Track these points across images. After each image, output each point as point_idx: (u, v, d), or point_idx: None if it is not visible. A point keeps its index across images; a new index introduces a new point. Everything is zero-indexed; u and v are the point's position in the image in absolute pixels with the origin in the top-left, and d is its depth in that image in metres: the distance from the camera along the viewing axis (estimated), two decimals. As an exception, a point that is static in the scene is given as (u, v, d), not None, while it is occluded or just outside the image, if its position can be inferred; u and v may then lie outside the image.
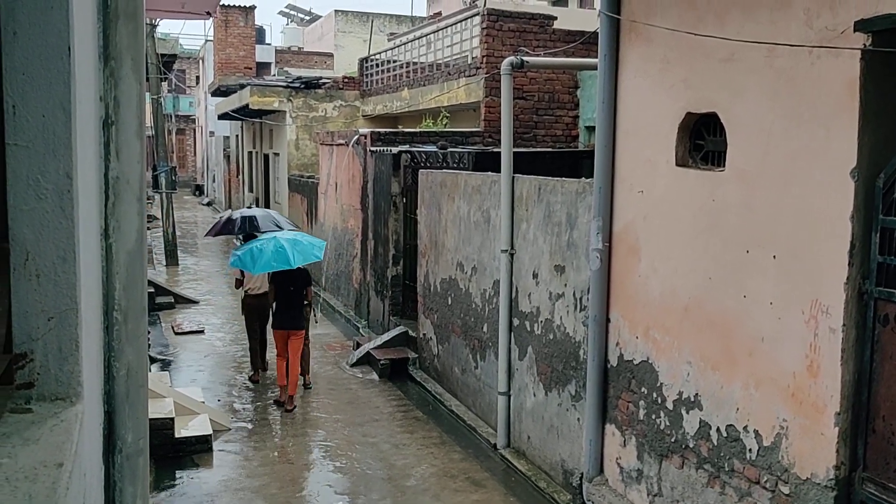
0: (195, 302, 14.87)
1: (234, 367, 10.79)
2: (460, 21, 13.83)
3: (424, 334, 10.26)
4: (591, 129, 12.03)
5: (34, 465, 1.38)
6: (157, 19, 16.40)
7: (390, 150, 11.61)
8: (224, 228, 11.02)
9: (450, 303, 9.37)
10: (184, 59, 39.74)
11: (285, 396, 9.14)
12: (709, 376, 5.18)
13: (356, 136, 13.04)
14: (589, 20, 12.28)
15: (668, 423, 5.58)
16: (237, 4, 30.23)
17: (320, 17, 37.26)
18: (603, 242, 6.11)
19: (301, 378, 9.65)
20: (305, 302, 9.45)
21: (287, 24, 42.15)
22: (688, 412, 5.38)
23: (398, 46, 17.48)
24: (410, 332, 10.90)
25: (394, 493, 7.05)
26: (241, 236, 11.02)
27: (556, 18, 12.99)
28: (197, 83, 43.82)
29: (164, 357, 11.14)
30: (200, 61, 40.20)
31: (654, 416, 5.73)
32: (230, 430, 8.43)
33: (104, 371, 2.16)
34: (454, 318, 9.26)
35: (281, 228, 10.24)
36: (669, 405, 5.56)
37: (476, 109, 13.19)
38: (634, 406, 5.95)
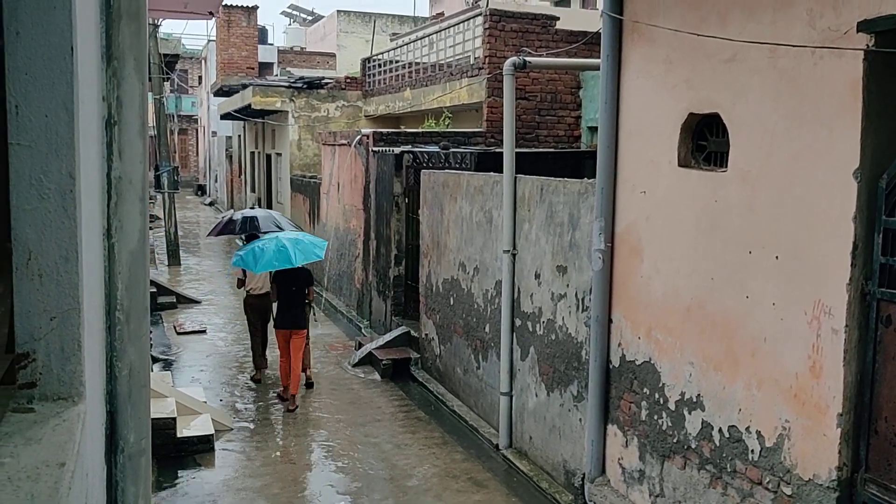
0: (197, 302, 14.89)
1: (236, 367, 10.80)
2: (463, 21, 13.83)
3: (426, 334, 10.26)
4: (593, 130, 12.03)
5: (36, 465, 1.38)
6: (160, 19, 16.41)
7: (392, 151, 11.61)
8: (225, 229, 11.05)
9: (452, 303, 9.37)
10: (186, 59, 39.81)
11: (288, 395, 9.16)
12: (711, 377, 5.17)
13: (358, 137, 13.04)
14: (591, 20, 12.30)
15: (670, 424, 5.58)
16: (240, 4, 30.24)
17: (323, 17, 37.27)
18: (605, 243, 6.11)
19: (303, 375, 9.67)
20: (307, 301, 9.48)
21: (289, 25, 42.16)
22: (690, 413, 5.37)
23: (400, 47, 17.49)
24: (412, 332, 10.90)
25: (396, 494, 7.05)
26: (243, 236, 11.04)
27: (558, 19, 12.99)
28: (199, 83, 43.86)
29: (166, 357, 11.15)
30: (203, 61, 40.24)
31: (656, 417, 5.72)
32: (232, 429, 8.44)
33: (106, 371, 2.16)
34: (456, 319, 9.26)
35: (282, 229, 10.24)
36: (671, 406, 5.55)
37: (478, 110, 13.19)
38: (636, 406, 5.95)
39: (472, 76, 13.03)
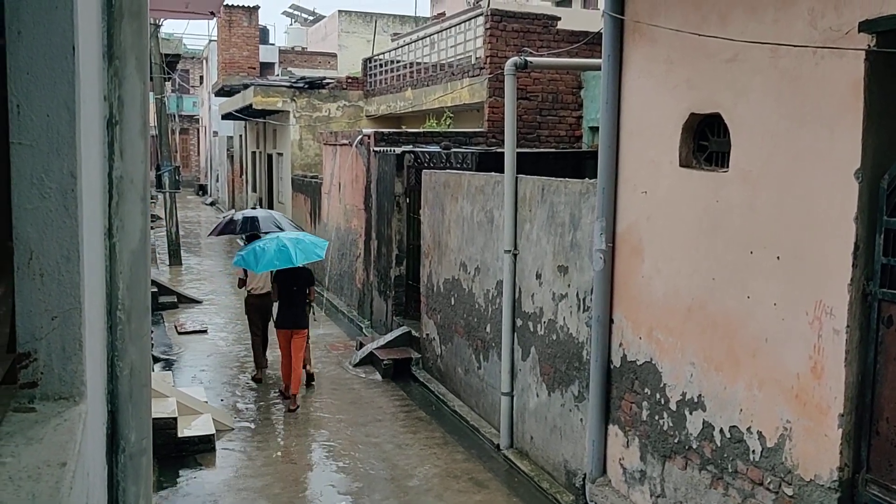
0: (198, 301, 14.90)
1: (237, 367, 10.80)
2: (464, 21, 13.83)
3: (427, 334, 10.26)
4: (594, 130, 12.03)
5: (37, 465, 1.38)
6: (161, 19, 16.41)
7: (394, 151, 11.61)
8: (226, 228, 11.09)
9: (453, 303, 9.37)
10: (188, 59, 39.84)
11: (289, 394, 9.18)
12: (712, 377, 5.17)
13: (360, 137, 13.05)
14: (593, 21, 12.29)
15: (671, 424, 5.57)
16: (241, 4, 30.25)
17: (324, 17, 37.27)
18: (606, 243, 6.10)
19: (303, 372, 9.69)
20: (309, 300, 9.51)
21: (291, 25, 42.16)
22: (691, 413, 5.37)
23: (402, 47, 17.49)
24: (413, 332, 10.91)
25: (397, 494, 7.05)
26: (244, 237, 11.08)
27: (559, 19, 12.99)
28: (201, 83, 43.87)
29: (167, 357, 11.16)
30: (204, 61, 40.25)
31: (657, 417, 5.72)
32: (233, 429, 8.44)
33: (107, 370, 2.16)
34: (457, 319, 9.26)
35: (282, 229, 10.27)
36: (673, 406, 5.55)
37: (479, 110, 13.19)
38: (637, 407, 5.94)
39: (473, 76, 13.03)
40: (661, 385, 5.65)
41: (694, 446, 5.35)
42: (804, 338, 4.44)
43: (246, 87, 21.11)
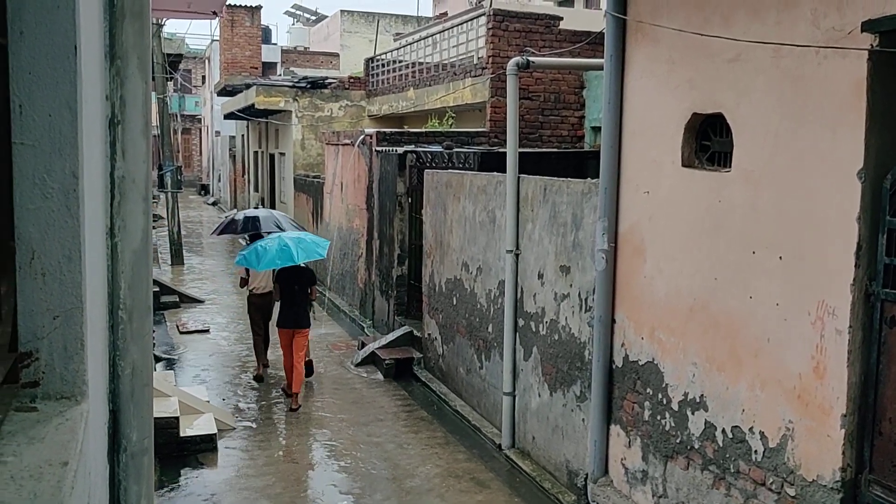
0: (200, 301, 14.91)
1: (239, 367, 10.81)
2: (466, 21, 13.82)
3: (429, 334, 10.26)
4: (596, 130, 12.02)
5: (39, 464, 1.38)
6: (164, 19, 16.43)
7: (396, 150, 11.61)
8: (228, 228, 11.14)
9: (455, 303, 9.37)
10: (190, 59, 39.87)
11: (291, 392, 9.20)
12: (714, 377, 5.17)
13: (362, 136, 13.05)
14: (595, 21, 12.29)
15: (673, 424, 5.57)
16: (243, 4, 30.28)
17: (326, 17, 37.29)
18: (608, 243, 6.10)
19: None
20: (311, 300, 9.54)
21: (293, 24, 42.20)
22: (693, 413, 5.36)
23: (404, 46, 17.48)
24: (415, 331, 10.91)
25: (398, 493, 7.05)
26: (247, 236, 11.12)
27: (561, 19, 12.98)
28: (203, 83, 43.91)
29: (168, 356, 11.17)
30: (206, 61, 40.27)
31: (659, 417, 5.71)
32: (235, 429, 8.45)
33: (109, 370, 2.17)
34: (459, 319, 9.26)
35: (282, 229, 10.33)
36: (675, 406, 5.54)
37: (482, 110, 13.18)
38: (639, 407, 5.94)
39: (475, 76, 13.02)
40: (663, 385, 5.65)
41: (696, 446, 5.34)
42: (806, 338, 4.43)
43: (248, 86, 21.13)
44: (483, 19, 12.86)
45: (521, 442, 7.77)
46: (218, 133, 36.58)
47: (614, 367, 6.22)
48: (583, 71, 12.34)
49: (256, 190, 25.82)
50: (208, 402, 8.68)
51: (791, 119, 4.51)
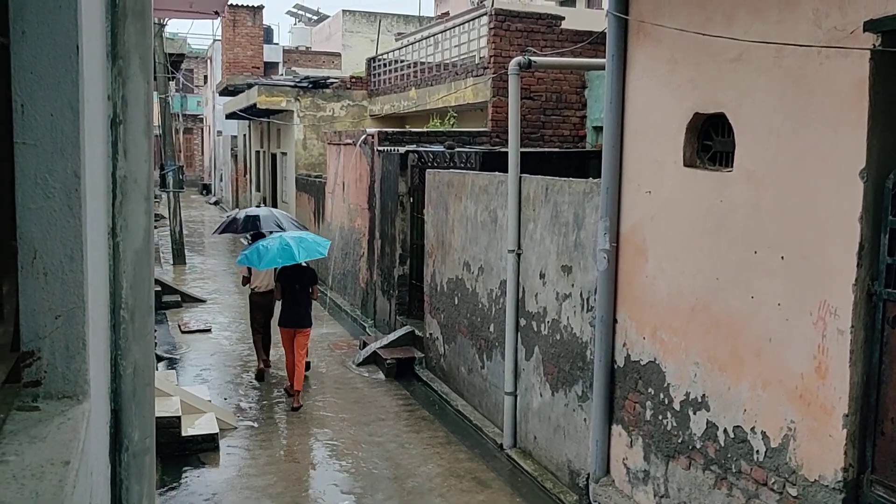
0: (202, 301, 14.92)
1: (241, 366, 10.82)
2: (468, 21, 13.82)
3: (431, 334, 10.26)
4: (598, 130, 12.01)
5: (41, 463, 1.38)
6: (166, 19, 16.44)
7: (397, 150, 11.61)
8: (229, 227, 11.18)
9: (456, 302, 9.37)
10: (192, 59, 39.88)
11: (293, 391, 9.22)
12: (716, 377, 5.16)
13: (363, 136, 13.05)
14: (597, 20, 12.27)
15: (675, 424, 5.56)
16: (245, 4, 30.29)
17: (328, 16, 37.28)
18: (610, 243, 6.10)
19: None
20: (314, 299, 9.59)
21: (295, 24, 42.20)
22: (695, 413, 5.36)
23: (406, 46, 17.48)
24: (417, 331, 10.91)
25: (399, 493, 7.05)
26: (249, 236, 11.17)
27: (563, 18, 12.97)
28: (205, 82, 43.95)
29: (170, 355, 11.18)
30: (208, 61, 40.31)
31: (660, 417, 5.71)
32: (236, 428, 8.45)
33: (111, 369, 2.17)
34: (461, 318, 9.26)
35: (282, 228, 10.39)
36: (676, 406, 5.54)
37: (483, 109, 13.18)
38: (641, 407, 5.94)
39: (477, 76, 13.02)
40: (665, 385, 5.65)
41: (698, 446, 5.34)
42: (808, 338, 4.43)
43: (250, 86, 21.14)
44: (485, 19, 12.86)
45: (522, 442, 7.77)
46: (220, 133, 36.61)
47: (616, 366, 6.21)
48: (584, 71, 12.34)
49: (258, 189, 25.84)
50: (210, 401, 8.69)
51: (793, 119, 4.51)
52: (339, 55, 31.53)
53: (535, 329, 7.47)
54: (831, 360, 4.29)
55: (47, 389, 1.65)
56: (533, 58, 8.00)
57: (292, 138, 19.83)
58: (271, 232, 10.23)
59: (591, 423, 6.45)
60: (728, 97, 5.00)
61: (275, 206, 21.58)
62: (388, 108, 17.90)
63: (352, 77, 20.81)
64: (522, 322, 7.71)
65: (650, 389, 5.82)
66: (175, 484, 7.15)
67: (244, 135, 29.15)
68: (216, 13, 6.55)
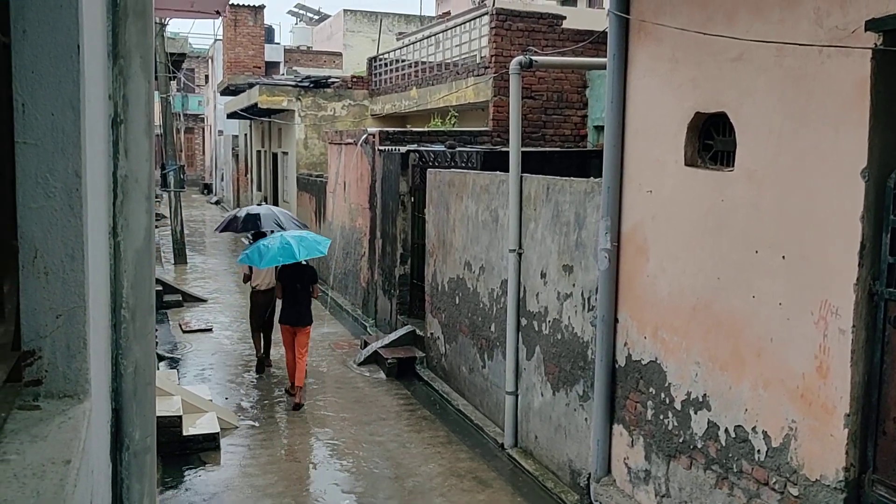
0: (203, 300, 14.93)
1: (242, 366, 10.82)
2: (469, 20, 13.82)
3: (432, 333, 10.26)
4: (599, 129, 12.01)
5: (42, 462, 1.38)
6: (167, 18, 16.44)
7: (399, 150, 11.61)
8: (230, 225, 11.21)
9: (457, 302, 9.37)
10: (193, 58, 39.89)
11: (295, 390, 9.25)
12: (717, 377, 5.16)
13: (365, 136, 13.05)
14: (598, 20, 12.26)
15: (676, 424, 5.56)
16: (246, 4, 30.30)
17: (329, 16, 37.28)
18: (611, 242, 6.09)
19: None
20: (314, 297, 9.62)
21: (296, 24, 42.22)
22: (696, 413, 5.36)
23: (407, 46, 17.48)
24: (418, 331, 10.91)
25: (400, 492, 7.06)
26: (250, 236, 11.22)
27: (564, 18, 12.97)
28: (206, 82, 43.97)
29: (171, 355, 11.18)
30: (210, 60, 40.32)
31: (662, 417, 5.71)
32: (237, 428, 8.45)
33: (112, 368, 2.17)
34: (462, 318, 9.26)
35: (282, 226, 10.44)
36: (677, 405, 5.54)
37: (484, 109, 13.18)
38: (642, 406, 5.93)
39: (478, 75, 13.02)
40: (666, 384, 5.64)
41: (699, 446, 5.34)
42: (810, 338, 4.42)
43: (251, 86, 21.15)
44: (486, 18, 12.86)
45: (523, 441, 7.77)
46: (221, 132, 36.62)
47: (617, 366, 6.21)
48: (585, 70, 12.33)
49: (259, 189, 25.85)
50: (211, 400, 8.70)
51: (794, 118, 4.50)
52: (340, 55, 31.53)
53: (536, 328, 7.46)
54: (832, 359, 4.29)
55: (48, 388, 1.65)
56: (534, 57, 8.00)
57: (293, 138, 19.83)
58: (272, 231, 10.29)
59: (592, 422, 6.45)
60: (729, 96, 5.00)
61: (276, 205, 21.60)
62: (389, 107, 17.90)
63: (353, 76, 20.81)
64: (523, 321, 7.71)
65: (651, 389, 5.82)
66: (176, 483, 7.15)
67: (245, 134, 29.16)
68: (217, 13, 6.55)
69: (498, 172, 8.42)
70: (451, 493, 7.02)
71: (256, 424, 8.66)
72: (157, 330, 10.86)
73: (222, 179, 38.22)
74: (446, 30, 15.12)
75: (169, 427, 7.33)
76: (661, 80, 5.64)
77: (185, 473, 7.35)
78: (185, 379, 9.97)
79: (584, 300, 6.66)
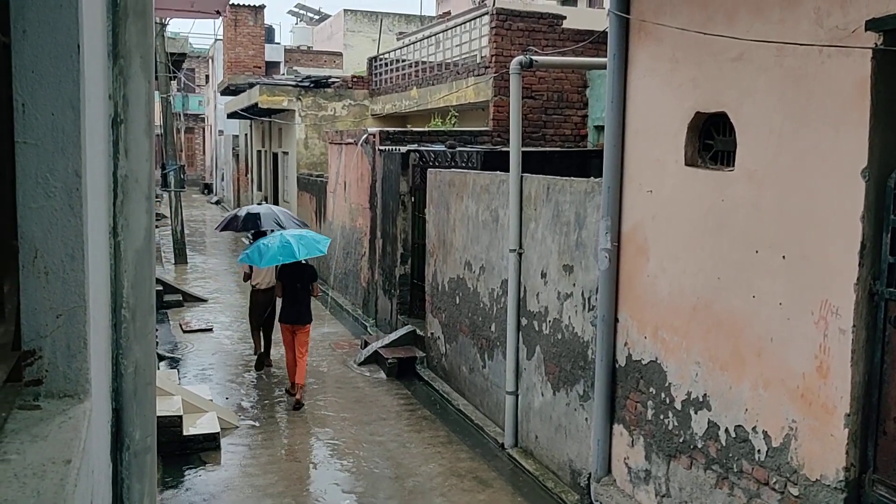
0: (203, 300, 14.93)
1: (242, 366, 10.82)
2: (469, 20, 13.82)
3: (432, 333, 10.26)
4: (599, 129, 12.01)
5: (42, 462, 1.38)
6: (167, 18, 16.45)
7: (399, 150, 11.61)
8: (230, 224, 11.24)
9: (458, 302, 9.37)
10: (193, 58, 39.92)
11: (296, 389, 9.26)
12: (717, 376, 5.16)
13: (365, 135, 13.05)
14: (598, 19, 12.26)
15: (676, 424, 5.56)
16: (247, 4, 30.30)
17: (329, 16, 37.29)
18: (612, 242, 6.09)
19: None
20: (314, 296, 9.64)
21: (296, 24, 42.23)
22: (696, 412, 5.36)
23: (407, 45, 17.48)
24: (418, 331, 10.91)
25: (400, 492, 7.06)
26: (250, 235, 11.24)
27: (565, 18, 12.97)
28: (206, 82, 43.97)
29: (172, 355, 11.19)
30: (210, 60, 40.33)
31: (662, 417, 5.71)
32: (238, 427, 8.46)
33: (112, 368, 2.17)
34: (462, 318, 9.26)
35: (281, 224, 10.47)
36: (678, 405, 5.54)
37: (485, 109, 13.18)
38: (643, 406, 5.93)
39: (478, 75, 13.02)
40: (667, 384, 5.64)
41: (699, 446, 5.34)
42: (810, 337, 4.42)
43: (251, 85, 21.15)
44: (486, 18, 12.86)
45: (523, 441, 7.77)
46: (221, 132, 36.63)
47: (617, 366, 6.21)
48: (586, 70, 12.33)
49: (260, 189, 25.85)
50: (211, 400, 8.70)
51: (794, 118, 4.50)
52: (340, 55, 31.54)
53: (537, 328, 7.46)
54: (833, 359, 4.29)
55: (48, 388, 1.65)
56: (534, 57, 8.00)
57: (294, 138, 19.83)
58: (272, 230, 10.31)
59: (592, 422, 6.45)
60: (729, 96, 5.00)
61: (276, 205, 21.60)
62: (389, 107, 17.90)
63: (353, 76, 20.81)
64: (524, 321, 7.71)
65: (651, 389, 5.81)
66: (176, 483, 7.16)
67: (245, 134, 29.16)
68: (218, 13, 6.55)
69: (498, 172, 8.42)
70: (451, 492, 7.02)
71: (257, 424, 8.66)
72: (157, 330, 10.88)
73: (222, 179, 38.22)
74: (446, 30, 15.12)
75: (169, 427, 7.33)
76: (662, 80, 5.64)
77: (186, 473, 7.35)
78: (185, 379, 9.97)
79: (585, 300, 6.66)
